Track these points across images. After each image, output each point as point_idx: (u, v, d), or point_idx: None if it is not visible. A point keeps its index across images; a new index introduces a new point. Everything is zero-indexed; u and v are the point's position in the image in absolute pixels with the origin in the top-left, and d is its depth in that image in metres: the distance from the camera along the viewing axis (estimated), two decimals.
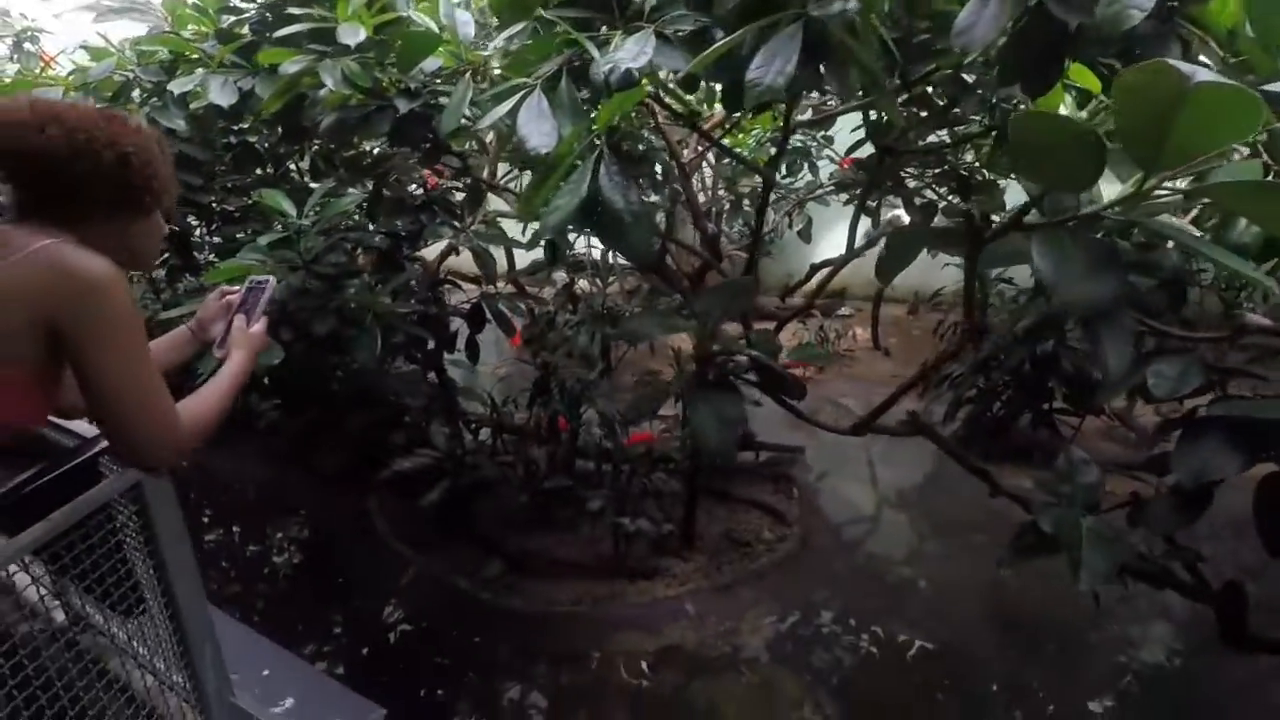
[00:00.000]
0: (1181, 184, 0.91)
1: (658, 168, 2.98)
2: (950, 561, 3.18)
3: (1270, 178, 1.07)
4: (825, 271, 2.85)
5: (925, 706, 2.39)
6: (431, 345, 3.22)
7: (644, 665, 2.58)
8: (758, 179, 4.02)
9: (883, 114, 2.31)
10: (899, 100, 2.09)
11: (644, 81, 1.19)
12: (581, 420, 3.44)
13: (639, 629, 2.74)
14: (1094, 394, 3.08)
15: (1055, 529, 1.37)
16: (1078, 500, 1.43)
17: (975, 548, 3.29)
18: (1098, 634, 2.71)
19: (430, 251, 4.49)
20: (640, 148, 2.80)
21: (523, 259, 5.15)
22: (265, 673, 1.53)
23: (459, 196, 2.92)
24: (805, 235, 5.34)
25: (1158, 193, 0.95)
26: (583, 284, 4.84)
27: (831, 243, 7.17)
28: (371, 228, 2.36)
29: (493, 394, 3.48)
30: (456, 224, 2.41)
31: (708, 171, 4.79)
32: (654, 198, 3.96)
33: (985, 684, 2.48)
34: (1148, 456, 1.76)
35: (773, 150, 3.23)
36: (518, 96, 1.19)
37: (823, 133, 3.99)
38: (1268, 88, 1.29)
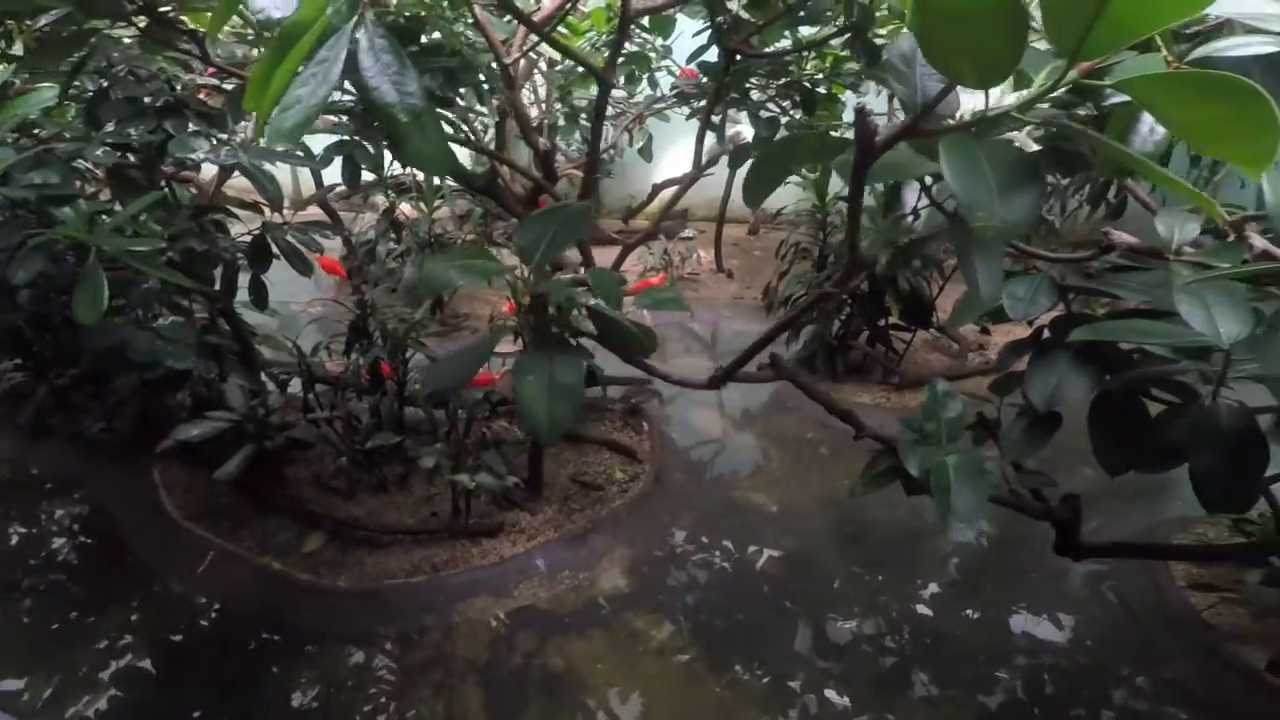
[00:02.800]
0: (1105, 78, 0.74)
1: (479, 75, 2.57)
2: (800, 478, 3.21)
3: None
4: (670, 193, 2.62)
5: (785, 626, 2.38)
6: (218, 287, 2.68)
7: (494, 633, 2.36)
8: (595, 91, 3.67)
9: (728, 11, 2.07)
10: None
11: None
12: (408, 365, 3.06)
13: (486, 593, 2.51)
14: (928, 311, 3.15)
15: (923, 471, 1.27)
16: (943, 438, 1.34)
17: (822, 462, 3.35)
18: (932, 531, 2.83)
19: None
20: (454, 47, 2.38)
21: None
22: None
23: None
24: (646, 153, 5.08)
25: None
26: (405, 208, 4.33)
27: (674, 160, 6.98)
28: (95, 136, 1.79)
29: (297, 341, 2.99)
30: (220, 135, 1.89)
31: (540, 81, 4.36)
32: (480, 107, 3.50)
33: (840, 595, 2.52)
34: (994, 378, 1.73)
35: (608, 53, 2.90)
36: None
37: (661, 41, 3.70)
38: None
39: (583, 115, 3.56)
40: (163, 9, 1.31)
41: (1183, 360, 1.34)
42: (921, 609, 2.48)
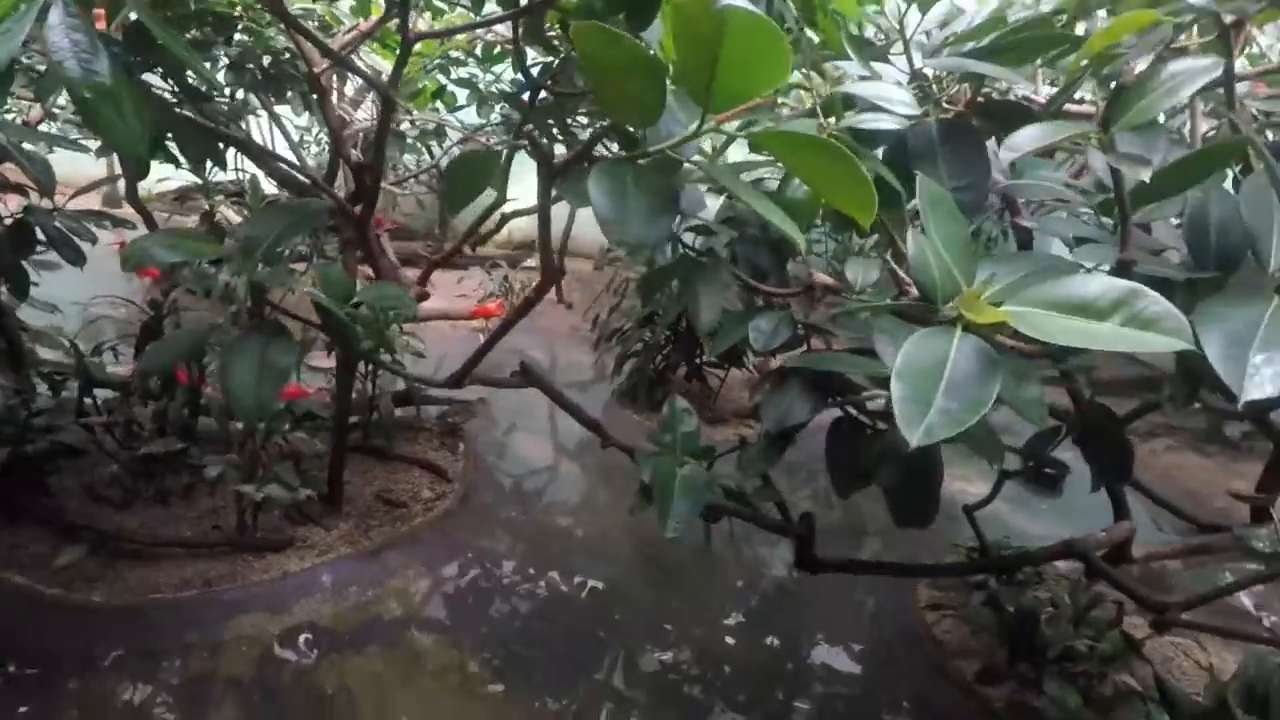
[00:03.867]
0: (731, 127, 0.89)
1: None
2: (613, 506, 3.30)
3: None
4: (491, 221, 2.67)
5: (573, 650, 2.43)
6: None
7: (264, 651, 2.26)
8: (439, 110, 3.70)
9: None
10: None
11: None
12: (206, 371, 2.91)
13: (261, 609, 2.39)
14: (738, 351, 3.39)
15: (652, 478, 1.39)
16: (677, 449, 1.47)
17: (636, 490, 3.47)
18: (727, 562, 3.00)
19: None
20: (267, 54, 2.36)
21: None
22: None
23: None
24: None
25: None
26: (229, 213, 4.13)
27: (527, 188, 7.10)
28: None
29: (75, 339, 2.76)
30: None
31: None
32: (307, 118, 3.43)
33: (635, 620, 2.60)
34: (755, 404, 1.91)
35: (441, 79, 2.96)
36: None
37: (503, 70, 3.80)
38: (840, 63, 1.40)
39: (423, 132, 3.57)
40: None
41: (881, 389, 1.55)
42: (720, 635, 2.59)
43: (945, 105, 1.55)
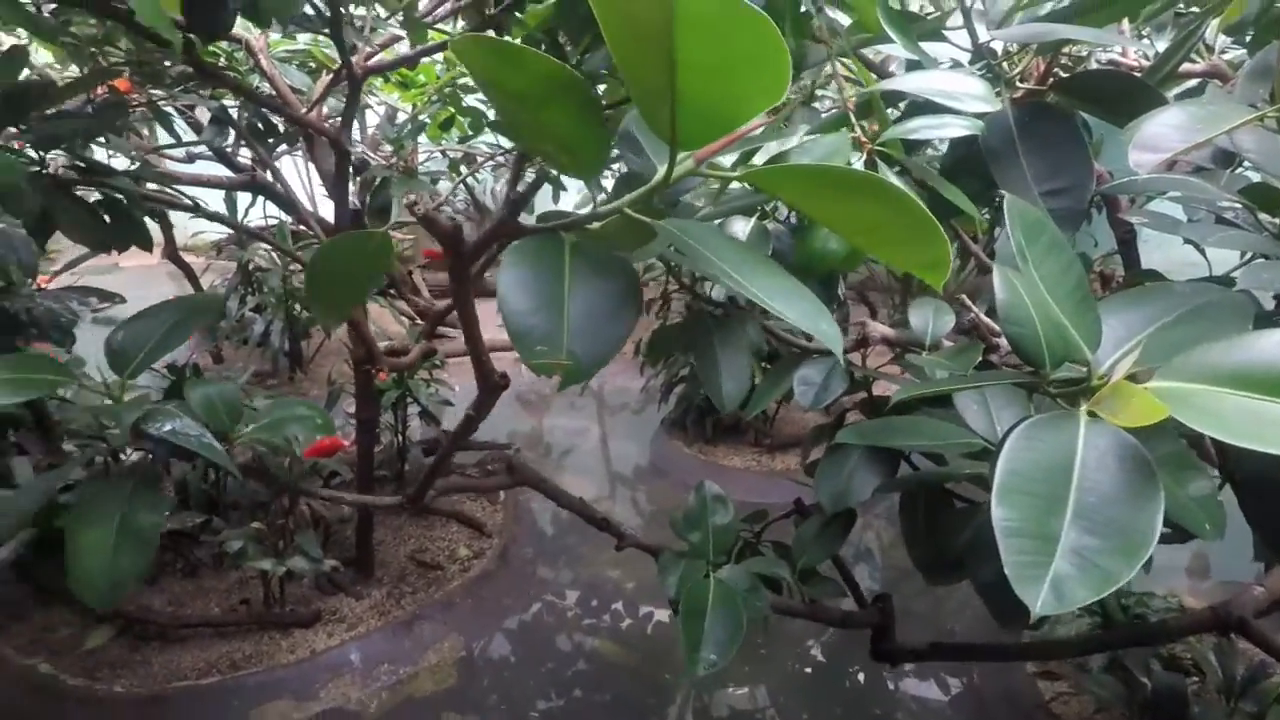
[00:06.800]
0: (726, 162, 0.61)
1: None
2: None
3: (863, 161, 0.84)
4: None
5: None
6: None
7: None
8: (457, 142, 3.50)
9: None
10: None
11: None
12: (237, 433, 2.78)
13: (288, 696, 2.22)
14: None
15: (679, 594, 1.10)
16: (709, 550, 1.18)
17: None
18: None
19: None
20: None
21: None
22: None
23: None
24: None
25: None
26: (259, 259, 4.05)
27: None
28: None
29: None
30: None
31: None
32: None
33: (697, 689, 2.32)
34: (808, 462, 1.60)
35: (435, 104, 2.74)
36: None
37: None
38: (882, 47, 1.09)
39: (422, 169, 3.37)
40: None
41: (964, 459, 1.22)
42: (795, 705, 2.29)
43: (1017, 85, 1.22)
